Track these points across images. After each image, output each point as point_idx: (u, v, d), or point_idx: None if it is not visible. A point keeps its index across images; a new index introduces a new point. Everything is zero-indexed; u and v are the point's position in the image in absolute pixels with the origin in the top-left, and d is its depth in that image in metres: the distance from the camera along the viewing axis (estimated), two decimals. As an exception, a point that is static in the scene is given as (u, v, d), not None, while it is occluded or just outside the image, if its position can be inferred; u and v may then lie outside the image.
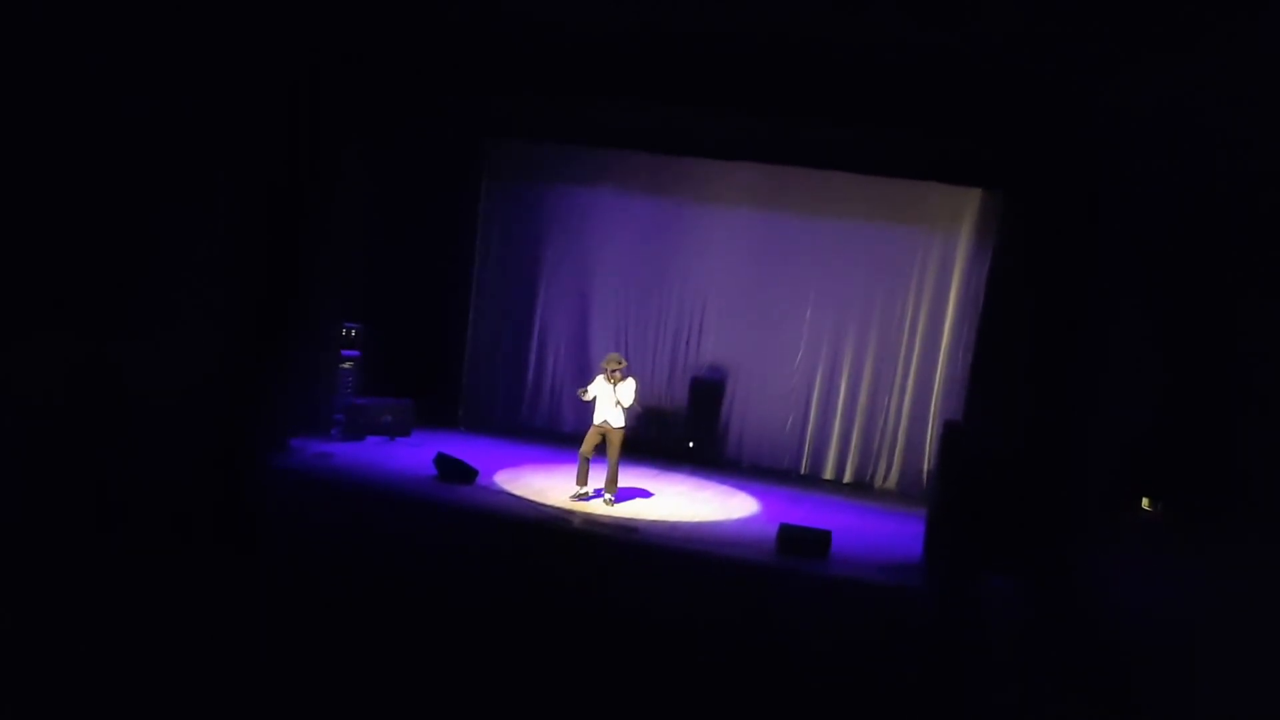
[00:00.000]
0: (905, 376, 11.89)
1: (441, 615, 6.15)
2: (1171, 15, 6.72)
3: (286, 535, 7.42)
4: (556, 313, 12.85)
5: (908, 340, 11.85)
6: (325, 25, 9.69)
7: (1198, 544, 6.15)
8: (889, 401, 11.94)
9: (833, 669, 6.18)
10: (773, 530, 8.69)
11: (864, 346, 11.98)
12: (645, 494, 10.10)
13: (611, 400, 9.21)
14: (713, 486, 10.98)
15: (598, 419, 9.30)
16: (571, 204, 12.73)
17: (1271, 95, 6.09)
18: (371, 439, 11.10)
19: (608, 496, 9.35)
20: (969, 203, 11.47)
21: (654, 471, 11.08)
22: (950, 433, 9.92)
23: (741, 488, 10.99)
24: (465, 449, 10.56)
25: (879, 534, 9.60)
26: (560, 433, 12.41)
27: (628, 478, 10.00)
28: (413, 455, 10.49)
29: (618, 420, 9.27)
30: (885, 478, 11.99)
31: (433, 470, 9.74)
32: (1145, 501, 7.19)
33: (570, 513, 9.02)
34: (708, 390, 12.18)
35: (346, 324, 11.17)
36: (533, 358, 12.92)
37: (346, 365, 11.14)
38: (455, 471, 9.64)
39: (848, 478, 12.03)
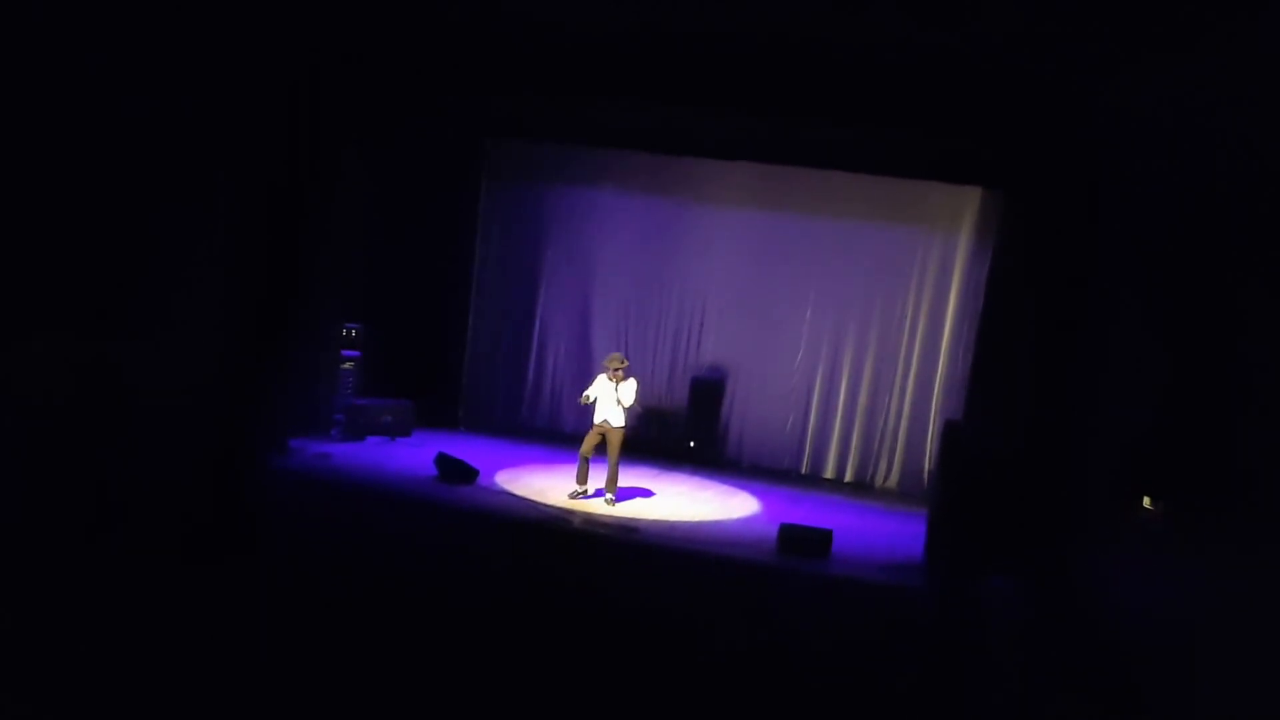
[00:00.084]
0: (905, 376, 11.89)
1: (442, 615, 6.15)
2: (1171, 15, 6.72)
3: (286, 535, 7.42)
4: (557, 313, 12.85)
5: (908, 340, 11.85)
6: (325, 25, 9.69)
7: (1198, 544, 6.15)
8: (889, 401, 11.94)
9: (833, 669, 6.18)
10: (773, 530, 8.70)
11: (864, 346, 11.98)
12: (646, 493, 10.10)
13: (613, 399, 9.22)
14: (713, 486, 10.99)
15: (598, 418, 9.31)
16: (572, 204, 12.72)
17: (1271, 95, 6.08)
18: (372, 439, 11.10)
19: (608, 496, 9.35)
20: (969, 202, 11.47)
21: (655, 471, 11.08)
22: (951, 432, 9.92)
23: (742, 487, 10.99)
24: (466, 449, 10.56)
25: (879, 534, 9.60)
26: (561, 433, 12.41)
27: (628, 477, 10.00)
28: (413, 455, 10.49)
29: (618, 420, 9.27)
30: (886, 477, 11.99)
31: (433, 470, 9.74)
32: (1146, 500, 7.20)
33: (571, 513, 9.02)
34: (708, 390, 12.18)
35: (347, 324, 11.17)
36: (533, 358, 12.92)
37: (347, 365, 11.14)
38: (456, 471, 9.64)
39: (848, 477, 12.03)
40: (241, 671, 4.92)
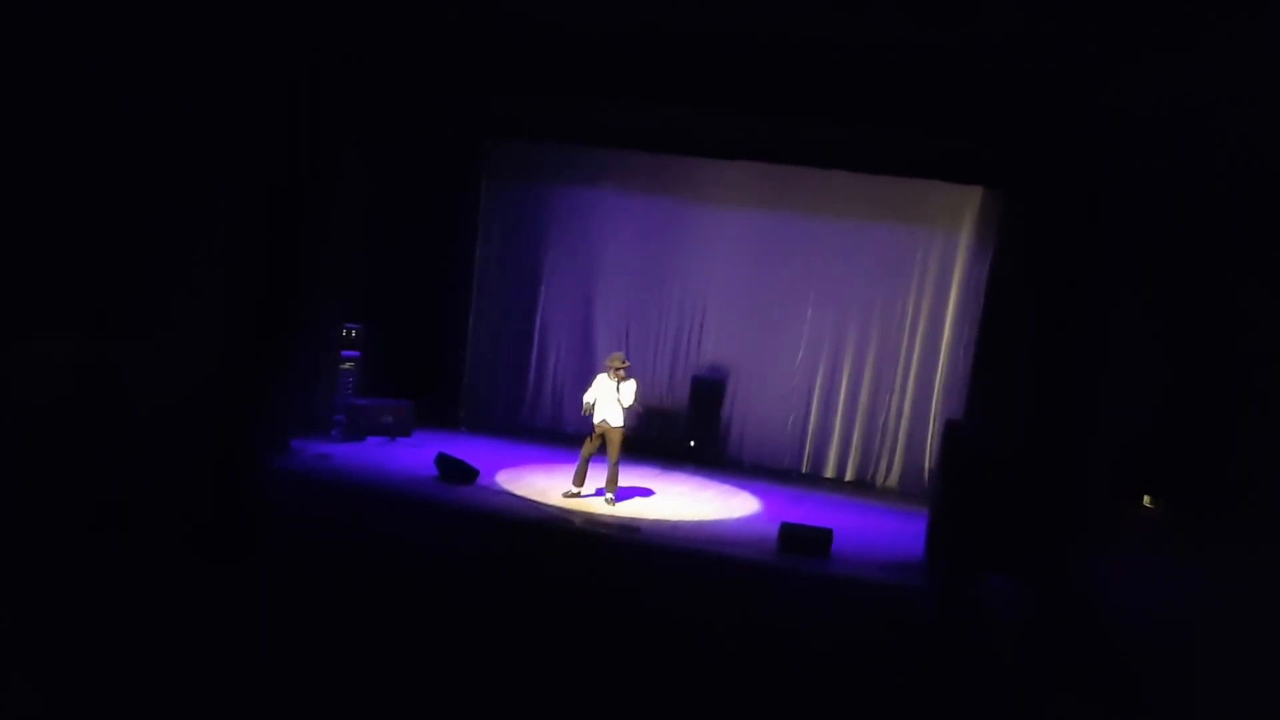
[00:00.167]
0: (906, 375, 11.90)
1: (442, 615, 6.15)
2: (1172, 15, 6.71)
3: (287, 535, 7.42)
4: (557, 312, 12.85)
5: (908, 339, 11.85)
6: (325, 25, 9.69)
7: (1198, 543, 6.15)
8: (890, 400, 11.94)
9: (834, 668, 6.18)
10: (774, 529, 8.70)
11: (865, 346, 11.98)
12: (646, 493, 10.10)
13: (613, 399, 9.21)
14: (714, 486, 10.99)
15: (596, 418, 9.30)
16: (572, 204, 12.73)
17: (1272, 95, 6.08)
18: (372, 439, 11.11)
19: (608, 496, 9.35)
20: (969, 202, 11.47)
21: (655, 471, 11.09)
22: (951, 431, 9.92)
23: (743, 487, 10.99)
24: (466, 449, 10.57)
25: (880, 533, 9.60)
26: (562, 433, 12.40)
27: (629, 477, 10.00)
28: (413, 455, 10.49)
29: (617, 420, 9.26)
30: (886, 477, 11.99)
31: (434, 470, 9.75)
32: (1146, 500, 7.20)
33: (571, 513, 9.02)
34: (709, 389, 12.18)
35: (347, 324, 11.17)
36: (534, 358, 12.92)
37: (347, 366, 11.14)
38: (456, 472, 9.64)
39: (849, 476, 12.03)
40: (242, 671, 4.93)
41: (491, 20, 9.29)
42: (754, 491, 10.79)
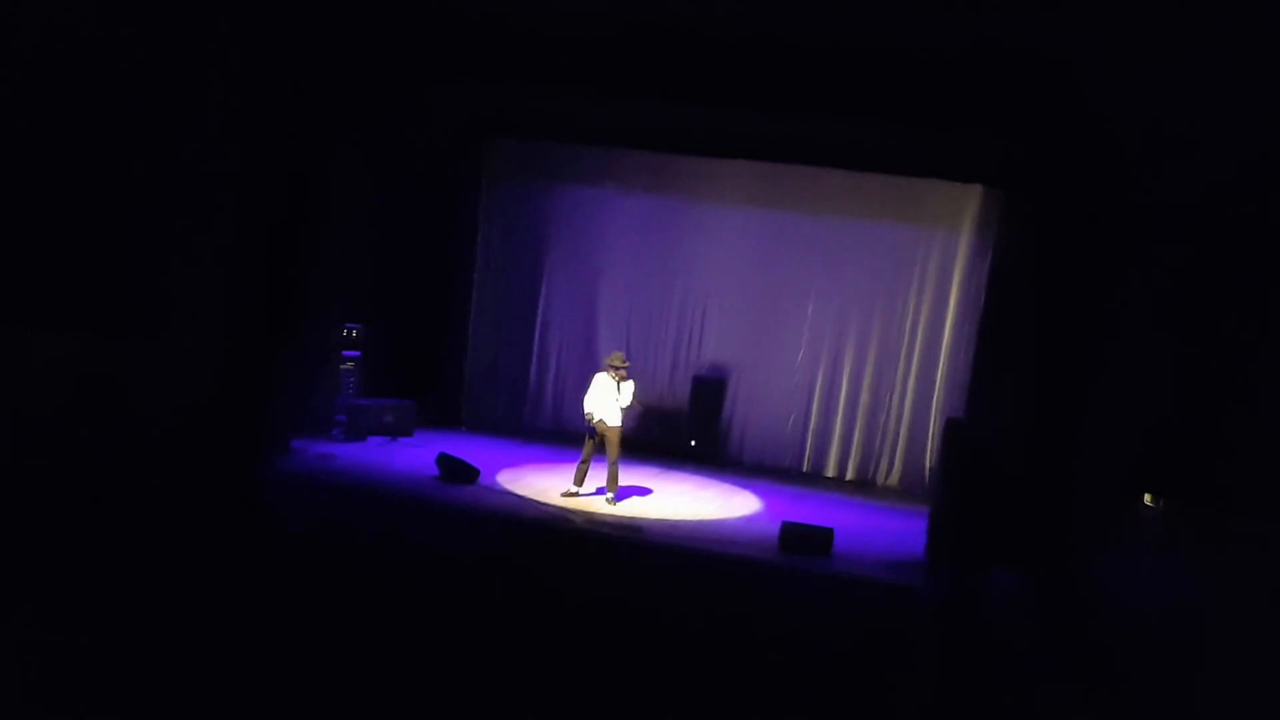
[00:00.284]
0: (907, 374, 11.90)
1: (444, 615, 6.16)
2: (1176, 11, 6.70)
3: (288, 536, 7.42)
4: (558, 312, 12.86)
5: (909, 337, 11.85)
6: (325, 24, 9.69)
7: (1203, 540, 6.15)
8: (891, 399, 11.94)
9: (835, 666, 6.18)
10: (775, 528, 8.70)
11: (866, 344, 11.98)
12: (647, 492, 10.10)
13: (612, 398, 9.21)
14: (715, 485, 10.98)
15: (594, 417, 9.30)
16: (573, 203, 12.73)
17: (1276, 92, 6.08)
18: (373, 439, 11.11)
19: (609, 495, 9.35)
20: (971, 199, 11.48)
21: (656, 470, 11.08)
22: (952, 430, 9.91)
23: (744, 486, 10.99)
24: (467, 449, 10.57)
25: (881, 531, 9.60)
26: (563, 432, 12.41)
27: (630, 477, 10.00)
28: (415, 456, 10.49)
29: (614, 419, 9.26)
30: (887, 475, 11.99)
31: (435, 470, 9.75)
32: (1148, 498, 7.20)
33: (573, 512, 9.02)
34: (710, 388, 12.19)
35: (348, 325, 11.18)
36: (535, 357, 12.92)
37: (348, 366, 11.15)
38: (458, 471, 9.64)
39: (850, 475, 12.03)
40: (243, 671, 4.93)
41: (492, 17, 9.28)
42: (755, 491, 10.78)
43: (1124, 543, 7.42)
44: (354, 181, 11.02)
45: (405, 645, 5.58)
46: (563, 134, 12.01)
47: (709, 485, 10.94)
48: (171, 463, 7.92)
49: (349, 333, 11.17)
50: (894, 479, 11.93)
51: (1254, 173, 6.28)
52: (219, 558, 6.37)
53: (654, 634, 6.27)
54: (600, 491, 9.48)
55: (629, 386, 9.29)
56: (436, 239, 12.69)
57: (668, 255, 12.42)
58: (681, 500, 10.08)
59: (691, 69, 9.39)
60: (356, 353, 11.25)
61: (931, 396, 11.76)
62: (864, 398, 12.00)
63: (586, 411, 9.32)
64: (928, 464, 11.65)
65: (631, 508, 9.41)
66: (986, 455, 8.96)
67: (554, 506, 9.13)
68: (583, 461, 9.41)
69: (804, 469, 12.09)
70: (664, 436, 12.15)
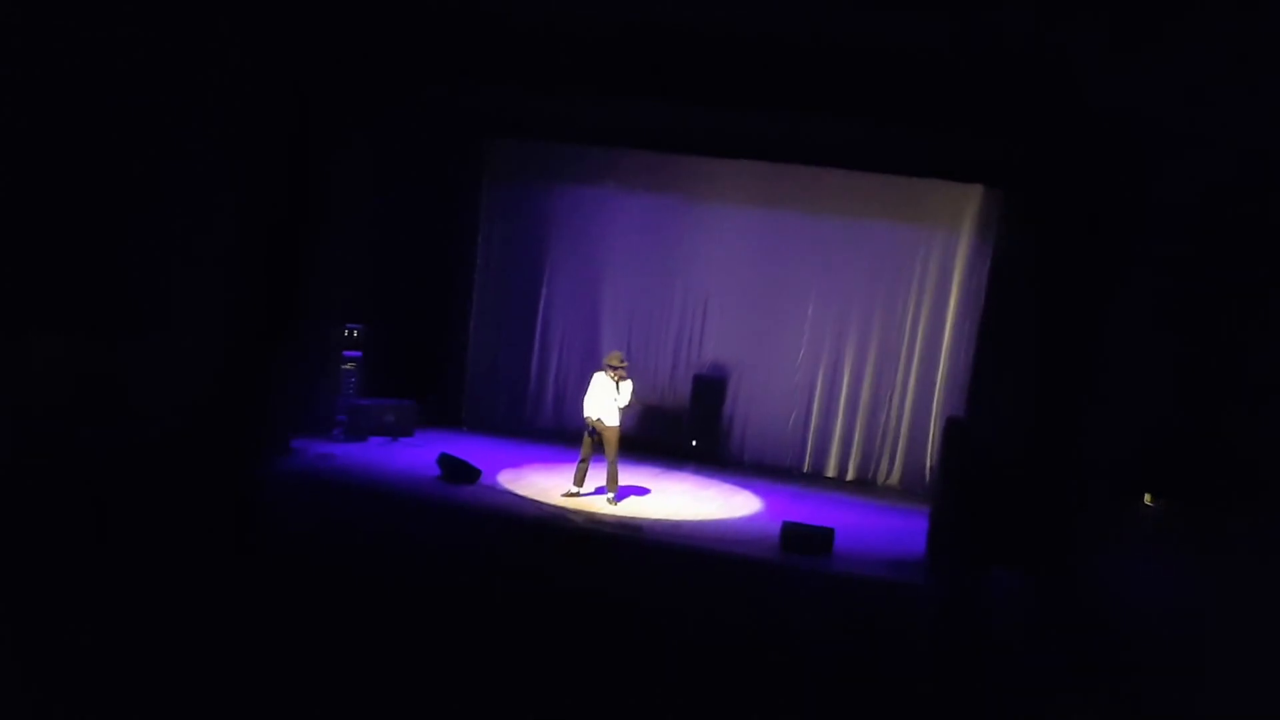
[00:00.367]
0: (908, 373, 11.90)
1: (445, 616, 6.16)
2: (1177, 9, 6.70)
3: (288, 535, 7.43)
4: (559, 312, 12.87)
5: (910, 337, 11.86)
6: (324, 24, 9.70)
7: (1204, 539, 6.16)
8: (891, 398, 11.95)
9: (835, 666, 6.18)
10: (776, 528, 8.71)
11: (866, 343, 11.99)
12: (647, 492, 10.11)
13: (610, 398, 9.21)
14: (715, 485, 10.99)
15: (592, 417, 9.31)
16: (573, 203, 12.75)
17: (1276, 90, 6.08)
18: (374, 439, 11.12)
19: (609, 495, 9.36)
20: (971, 199, 11.48)
21: (657, 470, 11.09)
22: (953, 429, 9.91)
23: (744, 486, 11.00)
24: (468, 449, 10.58)
25: (882, 531, 9.61)
26: (564, 432, 12.42)
27: (630, 477, 10.01)
28: (416, 456, 10.51)
29: (612, 419, 9.26)
30: (888, 475, 12.00)
31: (436, 470, 9.76)
32: (1147, 497, 7.21)
33: (574, 512, 9.02)
34: (710, 388, 12.19)
35: (349, 325, 11.19)
36: (535, 357, 12.94)
37: (349, 366, 11.16)
38: (459, 472, 9.65)
39: (850, 475, 12.04)
40: (244, 671, 4.94)
41: (493, 16, 9.28)
42: (755, 490, 10.79)
43: (1124, 542, 7.43)
44: (354, 181, 11.04)
45: (406, 645, 5.58)
46: (563, 134, 12.01)
47: (709, 485, 10.96)
48: (172, 463, 7.93)
49: (349, 333, 11.17)
50: (894, 479, 11.94)
51: (1254, 173, 6.28)
52: (219, 558, 6.38)
53: (654, 633, 6.27)
54: (600, 491, 9.49)
55: (627, 386, 9.30)
56: (436, 239, 12.70)
57: (668, 255, 12.42)
58: (682, 500, 10.09)
59: (691, 69, 9.39)
60: (357, 353, 11.26)
61: (932, 396, 11.77)
62: (864, 397, 12.01)
63: (586, 413, 9.33)
64: (928, 463, 11.65)
65: (632, 507, 9.42)
66: (986, 455, 8.97)
67: (555, 506, 9.14)
68: (582, 461, 9.42)
69: (804, 469, 12.11)
70: (665, 436, 12.15)
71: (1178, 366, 6.96)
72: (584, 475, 9.43)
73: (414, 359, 12.54)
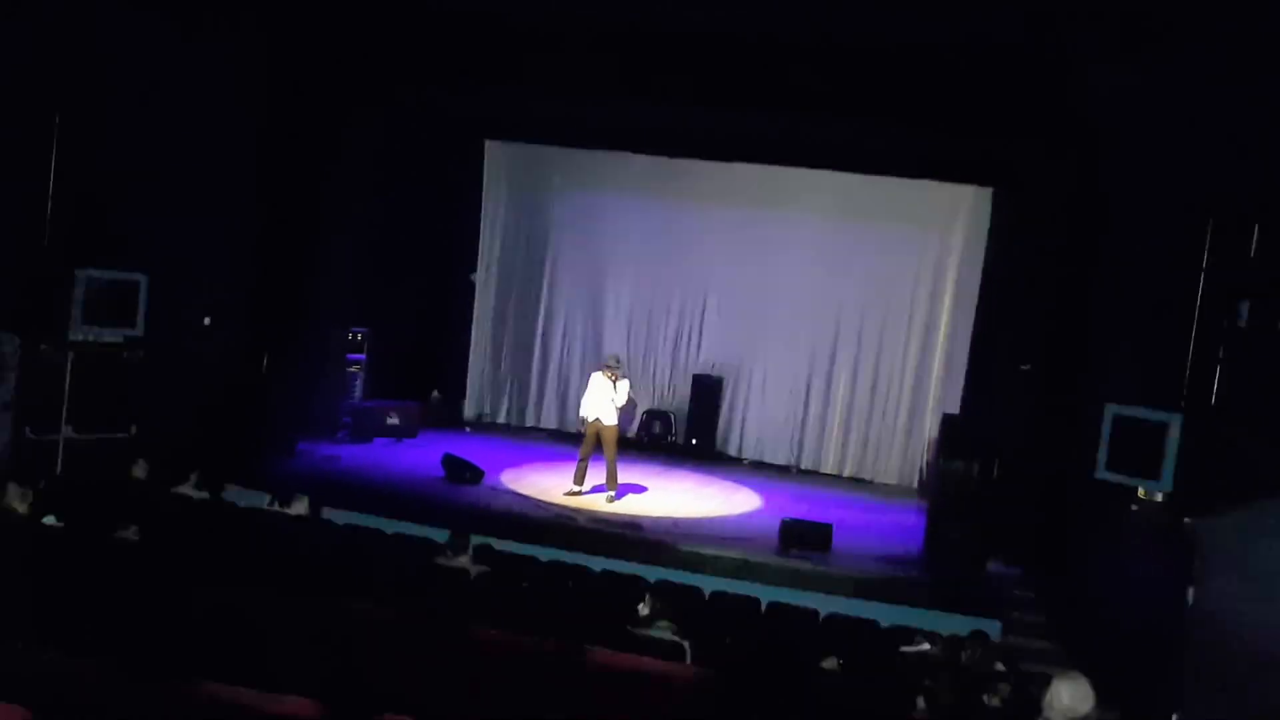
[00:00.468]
0: (904, 371, 11.98)
1: (446, 615, 6.23)
2: (1173, 9, 6.75)
3: (291, 537, 7.50)
4: (559, 312, 12.97)
5: (906, 335, 11.93)
6: (324, 24, 9.75)
7: (1200, 535, 6.21)
8: (888, 396, 12.02)
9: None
10: (775, 525, 8.79)
11: (863, 342, 12.06)
12: (648, 490, 10.18)
13: (607, 398, 9.30)
14: (715, 482, 11.07)
15: (590, 417, 9.40)
16: (574, 205, 12.84)
17: (1273, 90, 6.14)
18: (379, 441, 11.21)
19: (609, 493, 9.43)
20: (967, 199, 11.54)
21: (657, 468, 11.16)
22: (949, 426, 10.00)
23: (743, 483, 11.07)
24: (472, 450, 10.65)
25: (880, 527, 9.68)
26: (566, 432, 12.52)
27: (630, 475, 10.08)
28: (420, 457, 10.58)
29: (609, 418, 9.34)
30: (886, 472, 12.08)
31: (440, 471, 9.84)
32: (1141, 492, 7.28)
33: (576, 511, 9.10)
34: (709, 387, 12.28)
35: (353, 328, 11.29)
36: (536, 357, 13.04)
37: (353, 369, 11.28)
38: (462, 472, 9.73)
39: (848, 472, 12.11)
40: (244, 670, 5.01)
41: (494, 16, 9.32)
42: (754, 488, 10.86)
43: (1122, 537, 7.49)
44: (358, 185, 11.10)
45: (408, 645, 5.65)
46: (564, 136, 12.11)
47: (709, 483, 11.03)
48: (174, 462, 8.02)
49: (354, 336, 11.29)
50: (892, 475, 12.01)
51: (1254, 170, 6.32)
52: (219, 557, 6.46)
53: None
54: (600, 489, 9.55)
55: (624, 386, 9.39)
56: (440, 241, 12.80)
57: (668, 255, 12.51)
58: (682, 497, 10.17)
59: (691, 70, 9.47)
60: (361, 355, 11.38)
61: (928, 393, 11.84)
62: (862, 395, 12.09)
63: (581, 414, 9.44)
64: (925, 461, 11.73)
65: (632, 505, 9.49)
66: (984, 453, 9.03)
67: (556, 505, 9.23)
68: (581, 460, 9.51)
69: (803, 466, 12.19)
70: (664, 434, 12.25)
71: (1176, 362, 7.01)
72: (584, 474, 9.52)
73: (417, 361, 12.65)
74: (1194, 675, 5.96)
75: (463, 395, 13.13)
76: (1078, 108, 8.82)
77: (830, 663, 5.10)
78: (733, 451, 12.35)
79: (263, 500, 7.93)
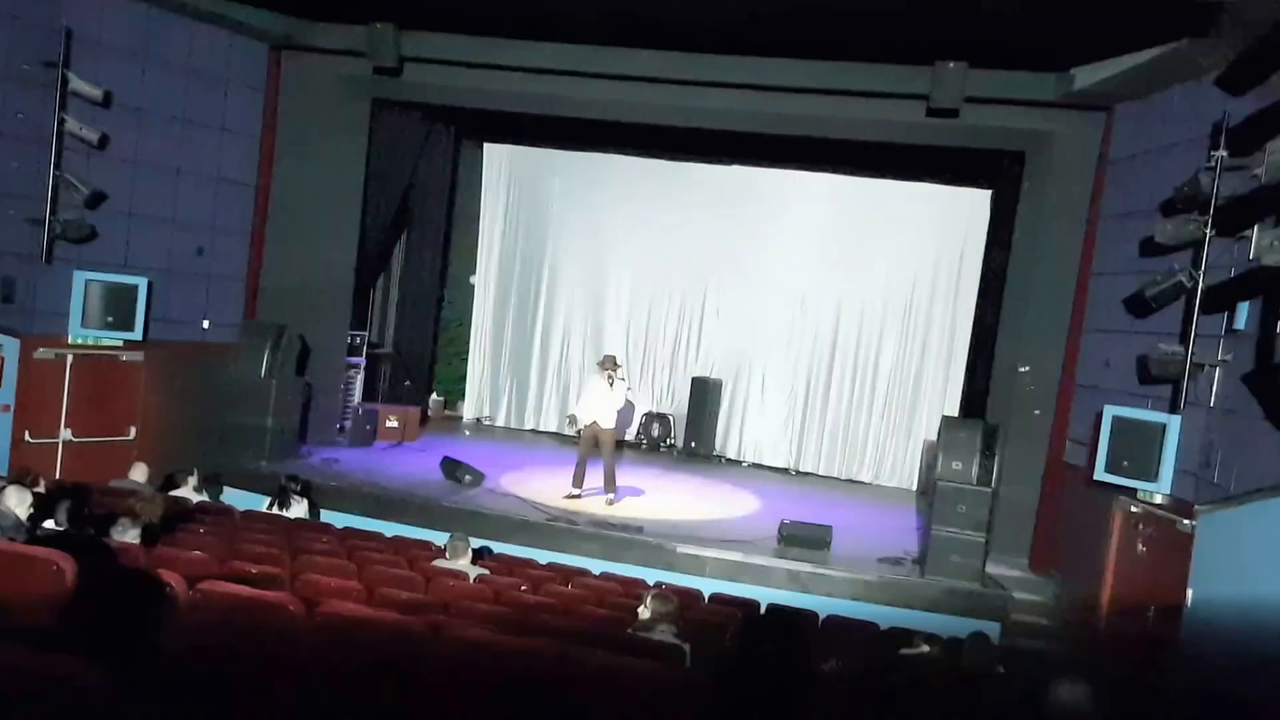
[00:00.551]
0: (904, 371, 11.98)
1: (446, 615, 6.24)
2: (1168, 10, 6.76)
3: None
4: (559, 315, 12.98)
5: (906, 335, 11.94)
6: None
7: (1200, 535, 6.22)
8: (888, 397, 12.03)
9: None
10: (774, 527, 8.78)
11: (863, 344, 12.07)
12: (647, 493, 10.17)
13: (604, 400, 9.28)
14: (714, 484, 11.07)
15: (587, 419, 9.39)
16: (572, 205, 12.85)
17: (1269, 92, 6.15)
18: (379, 444, 11.22)
19: (608, 496, 9.42)
20: (967, 201, 11.56)
21: (656, 471, 11.16)
22: (949, 426, 9.94)
23: (742, 485, 11.06)
24: (470, 453, 10.64)
25: (880, 529, 9.67)
26: (565, 435, 12.53)
27: (630, 478, 10.07)
28: (419, 459, 10.58)
29: (607, 421, 9.31)
30: (885, 473, 12.08)
31: (440, 474, 9.83)
32: (1139, 493, 7.29)
33: (575, 513, 9.09)
34: (708, 389, 12.28)
35: (353, 331, 11.30)
36: (536, 359, 13.04)
37: (353, 372, 11.28)
38: (461, 475, 9.72)
39: (848, 474, 12.12)
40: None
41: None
42: (753, 490, 10.85)
43: (1122, 541, 7.50)
44: (355, 185, 11.06)
45: (408, 645, 5.65)
46: (564, 137, 12.10)
47: (708, 485, 11.03)
48: (176, 462, 8.01)
49: (354, 339, 11.30)
50: (892, 477, 12.02)
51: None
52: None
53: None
54: (599, 491, 9.53)
55: (621, 388, 9.38)
56: (440, 244, 12.81)
57: (668, 256, 12.52)
58: (681, 500, 10.16)
59: (691, 70, 9.46)
60: (362, 359, 11.39)
61: (929, 394, 11.84)
62: (861, 396, 12.09)
63: (578, 414, 9.42)
64: (925, 461, 11.73)
65: (631, 508, 9.47)
66: (983, 453, 9.01)
67: (555, 508, 9.21)
68: (580, 463, 9.49)
69: (802, 468, 12.18)
70: (663, 437, 12.24)
71: (1173, 360, 7.01)
72: (582, 476, 9.50)
73: (416, 364, 12.65)
74: (1193, 675, 5.98)
75: (461, 398, 13.12)
76: (1076, 108, 8.84)
77: (830, 665, 5.09)
78: (732, 454, 12.35)
79: (262, 503, 7.96)
